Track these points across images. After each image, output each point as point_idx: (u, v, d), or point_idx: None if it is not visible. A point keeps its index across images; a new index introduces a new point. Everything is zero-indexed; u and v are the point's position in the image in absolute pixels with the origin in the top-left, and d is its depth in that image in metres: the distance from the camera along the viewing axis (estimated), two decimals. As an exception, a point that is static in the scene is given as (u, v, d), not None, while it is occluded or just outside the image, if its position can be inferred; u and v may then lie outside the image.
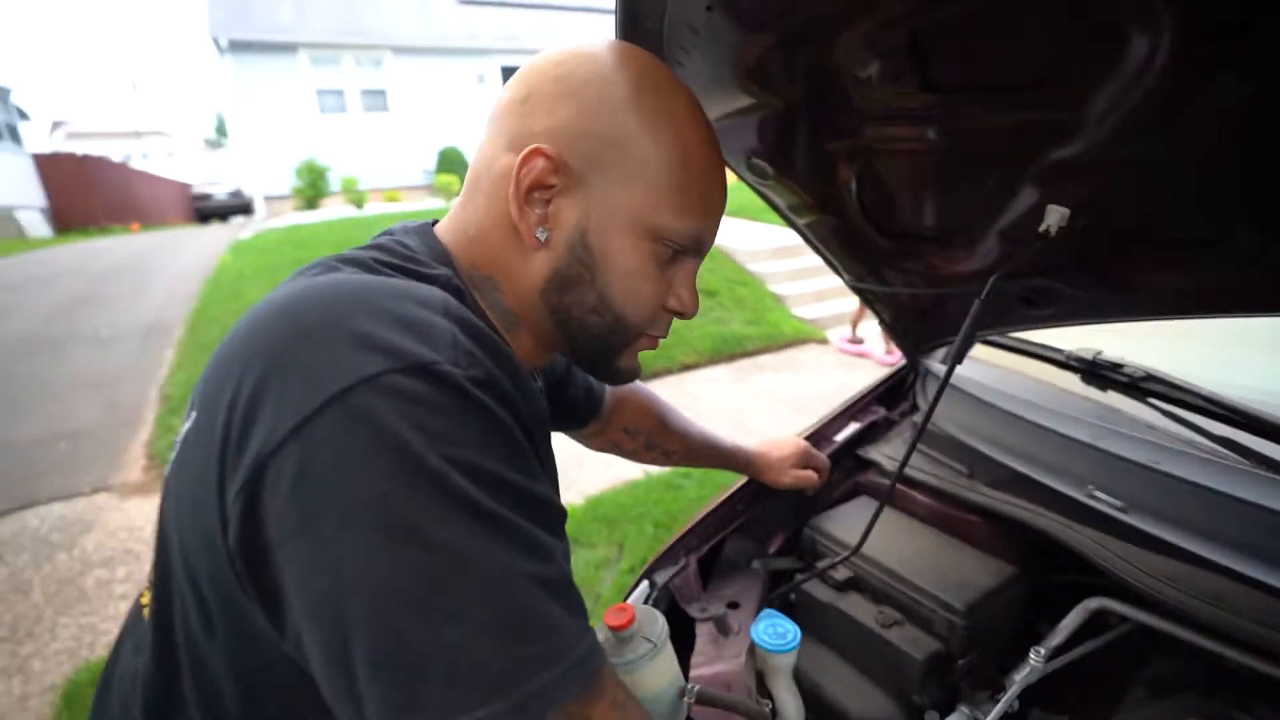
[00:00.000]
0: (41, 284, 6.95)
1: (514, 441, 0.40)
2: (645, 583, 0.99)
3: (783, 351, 5.56)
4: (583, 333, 0.54)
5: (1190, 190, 0.59)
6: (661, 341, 0.75)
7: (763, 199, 0.91)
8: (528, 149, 0.47)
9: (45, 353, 5.06)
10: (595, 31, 13.38)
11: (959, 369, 1.23)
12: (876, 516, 0.87)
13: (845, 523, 1.02)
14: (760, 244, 7.36)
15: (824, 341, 5.79)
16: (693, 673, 0.84)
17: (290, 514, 0.35)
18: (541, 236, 0.50)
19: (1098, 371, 0.97)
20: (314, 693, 0.41)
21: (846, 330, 5.80)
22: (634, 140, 0.48)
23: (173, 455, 0.45)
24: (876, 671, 0.88)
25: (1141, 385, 0.90)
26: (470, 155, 0.66)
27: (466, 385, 0.38)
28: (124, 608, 2.49)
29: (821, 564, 0.95)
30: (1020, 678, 0.77)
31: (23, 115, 15.14)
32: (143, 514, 3.12)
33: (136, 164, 22.36)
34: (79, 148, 18.47)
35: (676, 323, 0.60)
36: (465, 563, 0.34)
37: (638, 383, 0.95)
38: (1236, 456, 0.77)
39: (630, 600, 0.96)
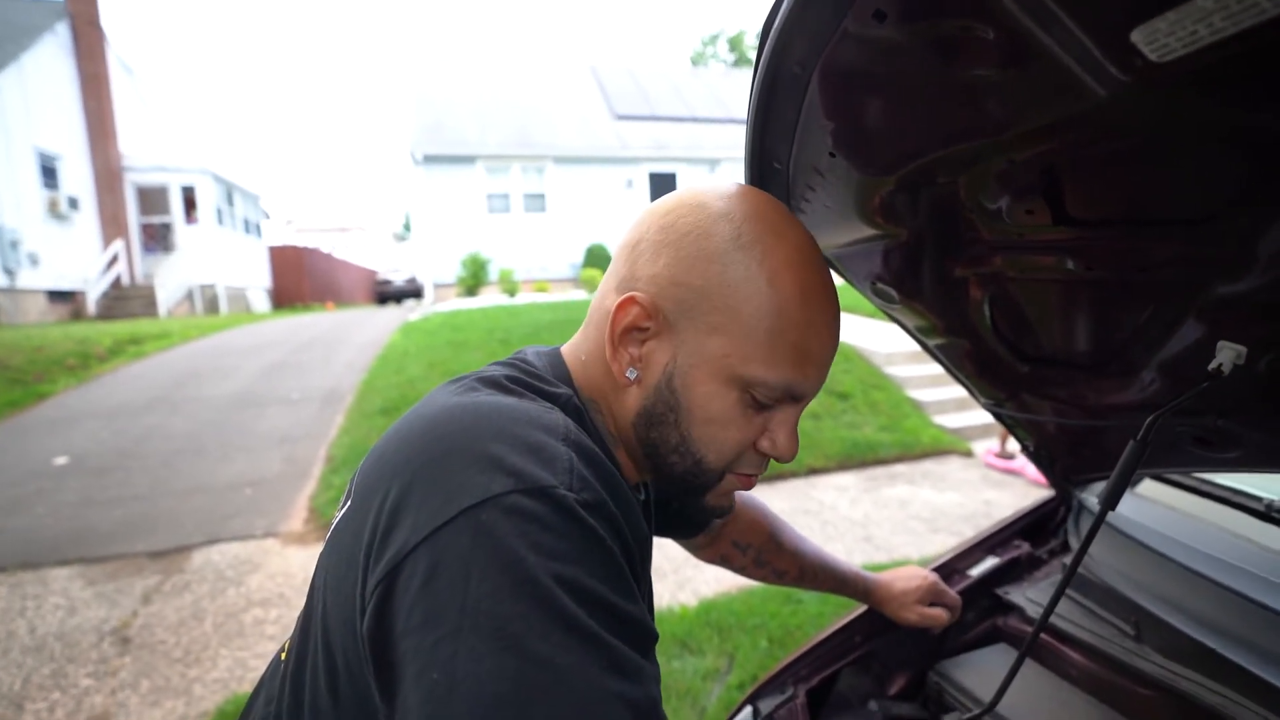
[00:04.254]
0: (256, 351, 8.28)
1: (615, 563, 0.43)
2: (749, 709, 0.94)
3: (920, 462, 5.16)
4: (667, 469, 0.56)
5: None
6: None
7: (892, 320, 0.91)
8: (625, 295, 0.52)
9: (251, 408, 5.96)
10: (737, 142, 14.13)
11: (1131, 508, 1.10)
12: (1016, 668, 0.77)
13: (979, 673, 0.91)
14: (897, 346, 7.05)
15: (968, 454, 5.31)
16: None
17: (416, 610, 0.39)
18: (631, 375, 0.54)
19: (1306, 529, 0.81)
20: None
21: (994, 443, 5.30)
22: (724, 291, 0.50)
23: (329, 536, 0.53)
24: None
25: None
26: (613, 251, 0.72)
27: (578, 508, 0.42)
28: (271, 648, 2.74)
29: (949, 718, 0.84)
30: None
31: (265, 215, 18.68)
32: (298, 562, 3.46)
33: (339, 254, 26.52)
34: (301, 239, 22.43)
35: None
36: (559, 676, 0.37)
37: (752, 497, 0.95)
38: None
39: (732, 726, 0.91)
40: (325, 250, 22.95)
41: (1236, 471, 0.81)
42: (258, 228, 17.59)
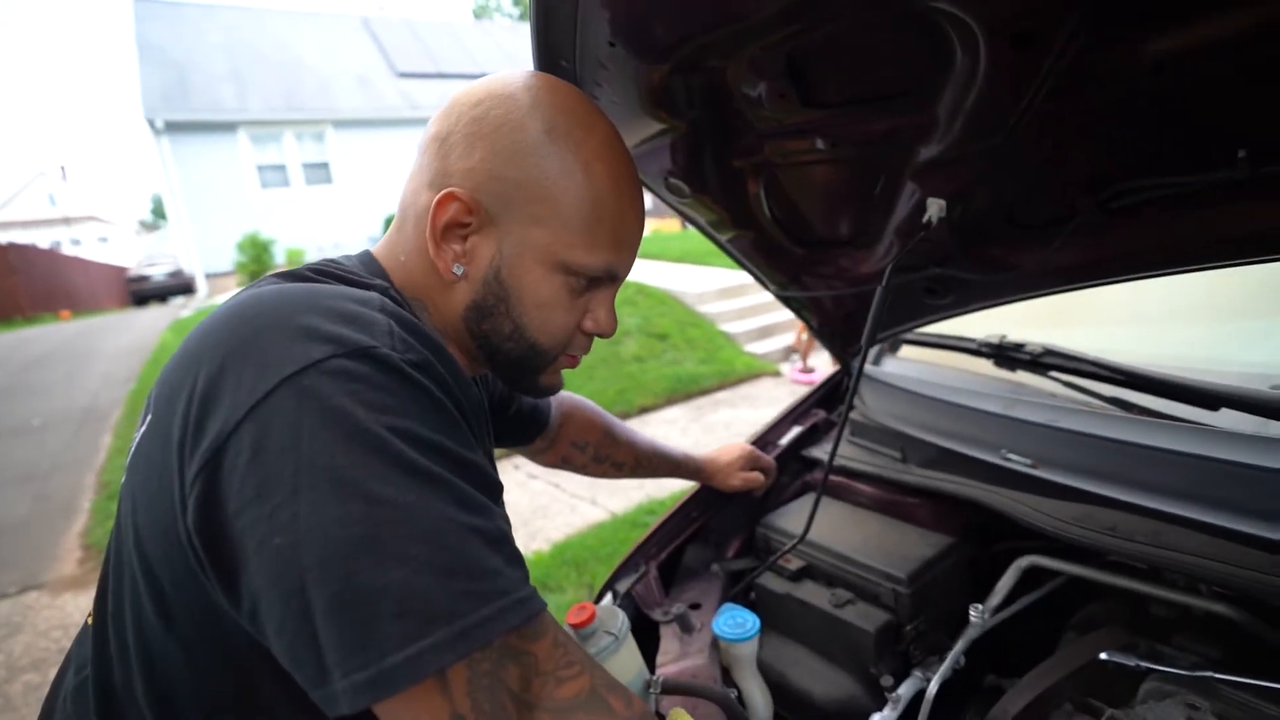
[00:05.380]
0: (-38, 378, 6.59)
1: (448, 414, 0.44)
2: (609, 592, 1.02)
3: (737, 387, 5.68)
4: (501, 356, 0.58)
5: (1034, 178, 0.69)
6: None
7: (686, 219, 0.99)
8: (443, 192, 0.52)
9: (-34, 448, 4.77)
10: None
11: (892, 367, 1.33)
12: (817, 503, 0.93)
13: (794, 517, 1.07)
14: (708, 285, 7.58)
15: (776, 374, 5.95)
16: (659, 670, 0.86)
17: (248, 484, 0.38)
18: (458, 271, 0.54)
19: (1004, 354, 1.07)
20: (268, 675, 0.43)
21: (797, 362, 6.00)
22: (543, 184, 0.52)
23: (129, 461, 0.48)
24: (835, 651, 0.91)
25: (1041, 360, 1.00)
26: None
27: (403, 365, 0.42)
28: (60, 708, 2.31)
29: (774, 556, 0.99)
30: (964, 636, 0.82)
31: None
32: (79, 608, 2.92)
33: (66, 250, 21.61)
34: (3, 237, 17.84)
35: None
36: (405, 512, 0.38)
37: (582, 398, 1.00)
38: (1122, 410, 0.87)
39: (594, 609, 0.98)
40: (46, 247, 18.55)
41: (955, 314, 1.03)
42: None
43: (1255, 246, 0.64)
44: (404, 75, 14.58)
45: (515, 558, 0.43)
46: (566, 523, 3.22)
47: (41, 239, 24.68)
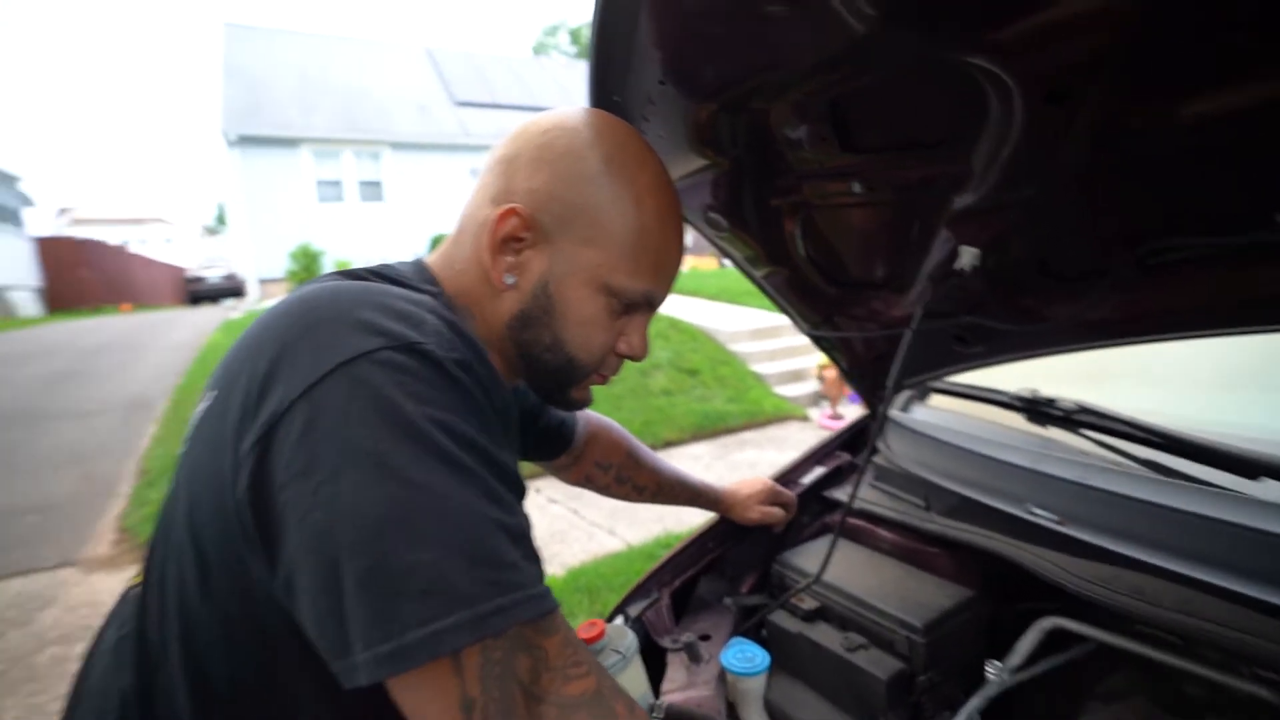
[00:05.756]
0: (28, 360, 6.95)
1: (485, 414, 0.47)
2: (620, 615, 1.02)
3: (765, 428, 5.63)
4: (539, 366, 0.62)
5: (1070, 231, 0.70)
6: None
7: (723, 252, 1.02)
8: (505, 207, 0.56)
9: (25, 426, 5.01)
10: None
11: (921, 414, 1.32)
12: (834, 544, 0.92)
13: (811, 556, 1.06)
14: (741, 325, 7.59)
15: (805, 419, 5.88)
16: (664, 696, 0.86)
17: (296, 460, 0.41)
18: (509, 281, 0.58)
19: (1036, 409, 1.05)
20: (295, 655, 0.45)
21: (826, 408, 5.93)
22: (597, 210, 0.56)
23: (188, 434, 0.52)
24: (844, 696, 0.90)
25: (1074, 417, 0.98)
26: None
27: (447, 363, 0.45)
28: (79, 686, 2.37)
29: (788, 594, 0.98)
30: (979, 693, 0.80)
31: (27, 201, 15.57)
32: (108, 588, 3.01)
33: (134, 249, 22.81)
34: (81, 233, 18.92)
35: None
36: (439, 499, 0.41)
37: (608, 420, 1.03)
38: (1156, 473, 0.85)
39: (603, 631, 0.98)
40: (116, 244, 19.64)
41: (990, 364, 1.02)
42: (16, 215, 14.62)
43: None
44: (461, 104, 15.21)
45: (533, 556, 0.45)
46: (583, 549, 3.21)
47: (112, 236, 26.12)
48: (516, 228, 0.56)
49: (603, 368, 0.64)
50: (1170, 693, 0.77)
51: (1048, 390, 1.09)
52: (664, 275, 0.62)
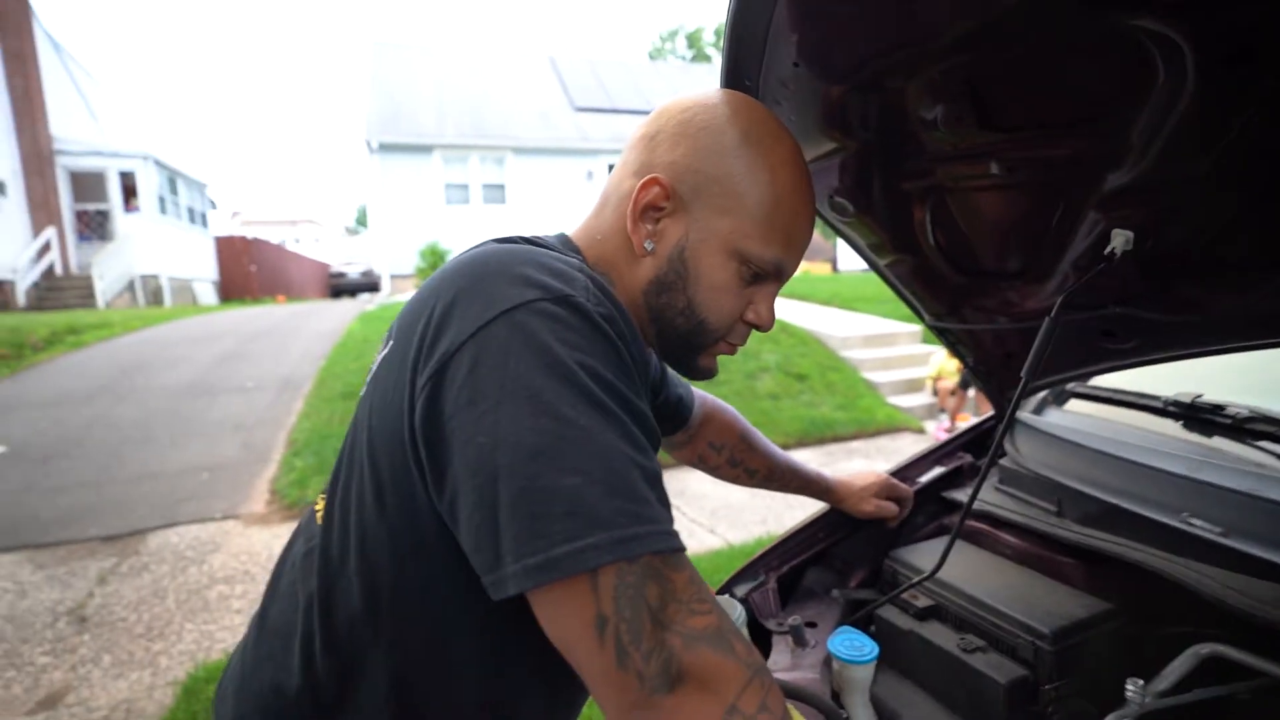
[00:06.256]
0: (205, 341, 8.01)
1: (626, 364, 0.51)
2: (726, 595, 1.04)
3: (875, 438, 5.40)
4: (671, 330, 0.65)
5: (1246, 211, 0.63)
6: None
7: (845, 240, 1.01)
8: (648, 177, 0.61)
9: (202, 397, 5.79)
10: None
11: (1056, 418, 1.24)
12: (954, 538, 0.89)
13: (927, 555, 1.03)
14: (853, 331, 7.31)
15: (920, 431, 5.57)
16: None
17: (464, 393, 0.47)
18: (648, 247, 0.62)
19: (1198, 415, 0.95)
20: (451, 565, 0.52)
21: (944, 420, 5.58)
22: (733, 180, 0.59)
23: (370, 378, 0.60)
24: (958, 700, 0.86)
25: (1247, 425, 0.88)
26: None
27: (595, 316, 0.50)
28: (239, 620, 2.72)
29: (901, 588, 0.96)
30: (1116, 713, 0.75)
31: (212, 205, 17.95)
32: (262, 542, 3.43)
33: (290, 247, 25.66)
34: (249, 232, 21.61)
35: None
36: (585, 434, 0.45)
37: (724, 403, 1.05)
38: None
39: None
40: (275, 242, 22.20)
41: (1139, 363, 0.94)
42: (204, 218, 16.89)
43: None
44: (580, 110, 15.77)
45: (665, 501, 0.49)
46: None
47: (273, 236, 29.53)
48: (657, 197, 0.60)
49: (730, 335, 0.66)
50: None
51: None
52: (794, 246, 0.63)
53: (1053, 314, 0.77)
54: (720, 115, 0.61)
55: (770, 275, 0.64)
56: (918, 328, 7.23)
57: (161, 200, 14.19)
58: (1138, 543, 0.84)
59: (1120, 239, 0.72)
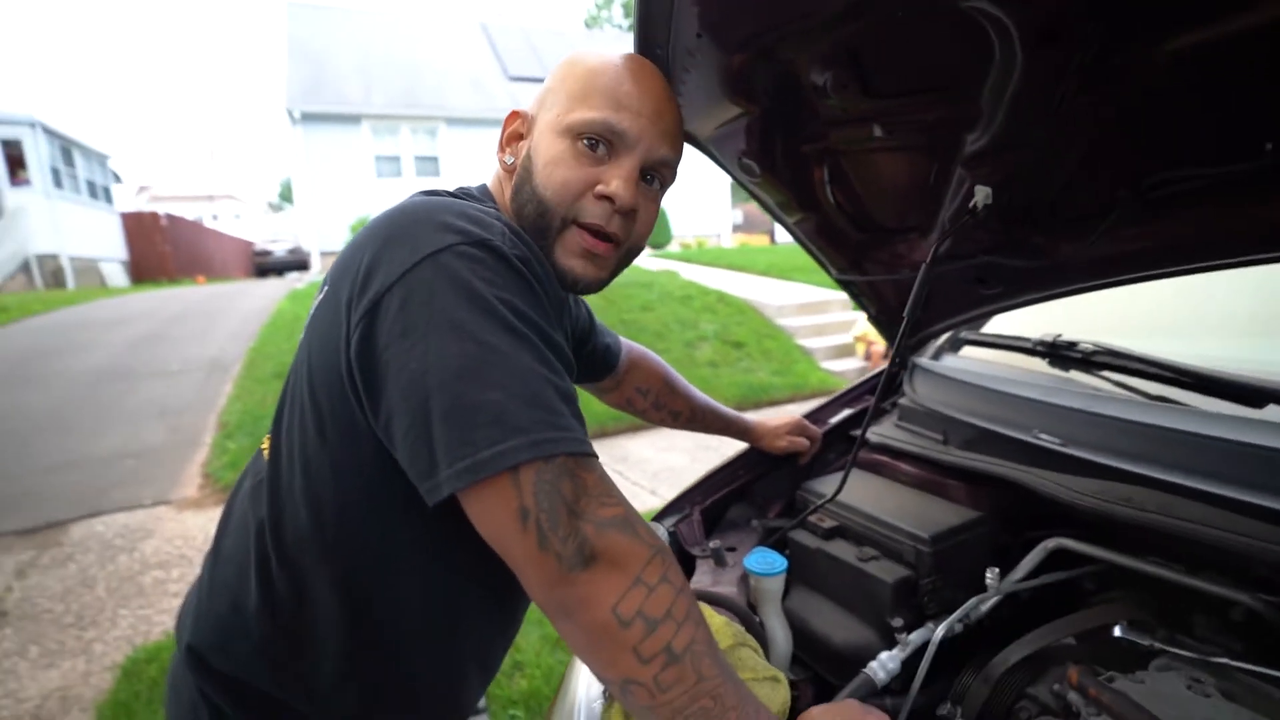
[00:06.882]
0: (119, 325, 7.54)
1: (541, 299, 0.58)
2: (661, 529, 1.13)
3: (809, 401, 5.65)
4: (527, 224, 0.68)
5: (1075, 168, 0.75)
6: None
7: (757, 200, 1.10)
8: (510, 111, 0.72)
9: (120, 382, 5.49)
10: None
11: (952, 362, 1.38)
12: (851, 462, 1.01)
13: (831, 483, 1.14)
14: (789, 300, 7.55)
15: (851, 391, 5.86)
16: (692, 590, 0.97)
17: (395, 327, 0.53)
18: (509, 161, 0.72)
19: (1057, 352, 1.10)
20: (388, 481, 0.58)
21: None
22: (561, 81, 0.68)
23: (309, 319, 0.64)
24: (857, 602, 0.99)
25: (1092, 359, 1.03)
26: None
27: (511, 257, 0.57)
28: (177, 604, 2.67)
29: (807, 511, 1.08)
30: (976, 598, 0.88)
31: (116, 179, 16.64)
32: (197, 525, 3.34)
33: (207, 224, 24.12)
34: (160, 209, 20.19)
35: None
36: (503, 356, 0.52)
37: (650, 352, 1.13)
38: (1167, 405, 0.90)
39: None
40: (191, 219, 20.81)
41: (1006, 307, 1.07)
42: (106, 192, 15.67)
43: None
44: (515, 79, 15.36)
45: (579, 416, 0.56)
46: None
47: (188, 212, 27.65)
48: (518, 126, 0.71)
49: (581, 213, 0.66)
50: (1165, 609, 0.83)
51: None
52: (624, 109, 0.65)
53: (928, 259, 0.88)
54: (579, 54, 0.71)
55: (607, 139, 0.65)
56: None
57: (55, 172, 13.07)
58: (1000, 459, 0.98)
59: (981, 194, 0.83)
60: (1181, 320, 1.13)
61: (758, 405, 5.46)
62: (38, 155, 12.52)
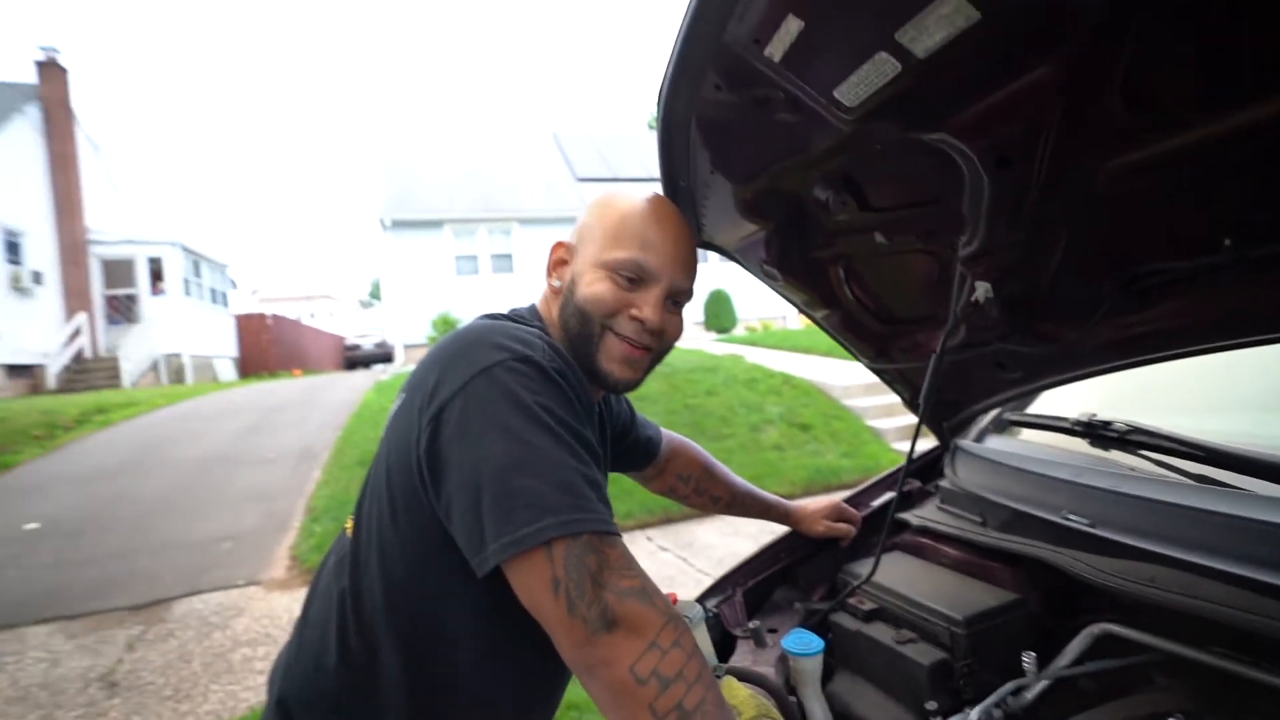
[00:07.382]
0: (226, 415, 8.29)
1: (573, 403, 0.70)
2: (698, 606, 1.18)
3: (880, 483, 5.45)
4: (571, 332, 0.83)
5: (1060, 266, 0.83)
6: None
7: (785, 299, 1.21)
8: (555, 242, 0.87)
9: (222, 469, 5.99)
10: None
11: (994, 443, 1.40)
12: (883, 542, 1.05)
13: (870, 566, 1.17)
14: (854, 380, 7.45)
15: (924, 474, 5.62)
16: (728, 665, 1.01)
17: (456, 429, 0.66)
18: (556, 284, 0.86)
19: (1094, 432, 1.12)
20: (448, 562, 0.69)
21: (948, 462, 5.64)
22: (598, 221, 0.83)
23: (388, 422, 0.79)
24: (895, 685, 0.99)
25: (1128, 438, 1.05)
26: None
27: (549, 369, 0.69)
28: (262, 680, 2.81)
29: (844, 593, 1.10)
30: (1013, 683, 0.88)
31: (233, 284, 18.72)
32: (282, 605, 3.54)
33: (305, 321, 26.45)
34: (267, 309, 22.44)
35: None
36: (542, 452, 0.63)
37: (690, 441, 1.22)
38: (1201, 484, 0.90)
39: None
40: (292, 318, 22.94)
41: (1028, 390, 1.11)
42: (224, 297, 17.62)
43: (1267, 324, 0.72)
44: (582, 180, 16.54)
45: (605, 501, 0.67)
46: (689, 594, 3.32)
47: (290, 311, 30.49)
48: (561, 254, 0.85)
49: (618, 326, 0.81)
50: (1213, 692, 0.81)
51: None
52: (650, 248, 0.80)
53: (936, 352, 0.95)
54: (613, 194, 0.86)
55: (638, 275, 0.80)
56: (918, 373, 7.35)
57: (186, 283, 14.89)
58: (1033, 540, 0.99)
59: (981, 289, 0.91)
60: (1217, 397, 1.12)
61: (827, 488, 5.31)
62: (174, 269, 14.37)
